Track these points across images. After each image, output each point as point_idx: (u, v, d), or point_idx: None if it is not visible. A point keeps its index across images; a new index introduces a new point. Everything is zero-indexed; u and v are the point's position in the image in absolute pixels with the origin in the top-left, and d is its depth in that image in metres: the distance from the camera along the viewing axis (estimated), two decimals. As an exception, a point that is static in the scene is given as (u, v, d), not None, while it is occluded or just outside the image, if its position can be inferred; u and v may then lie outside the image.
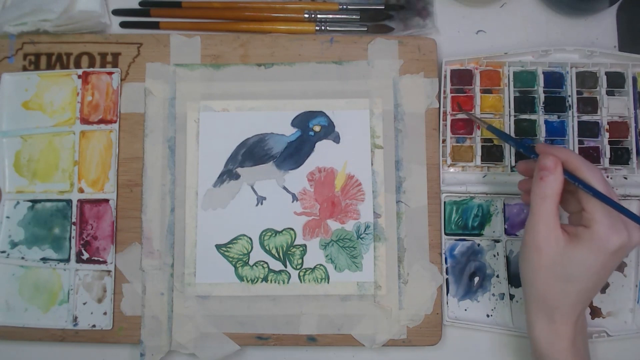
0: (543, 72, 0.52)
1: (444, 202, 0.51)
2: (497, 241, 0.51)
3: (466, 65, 0.52)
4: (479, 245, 0.51)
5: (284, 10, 0.55)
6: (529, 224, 0.40)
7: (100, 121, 0.52)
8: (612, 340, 0.50)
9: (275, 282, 0.50)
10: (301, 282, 0.50)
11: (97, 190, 0.51)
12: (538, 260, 0.39)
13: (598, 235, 0.37)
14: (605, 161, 0.51)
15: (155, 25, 0.55)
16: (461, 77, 0.52)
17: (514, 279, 0.51)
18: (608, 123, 0.51)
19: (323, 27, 0.54)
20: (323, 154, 0.51)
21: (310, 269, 0.50)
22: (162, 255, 0.50)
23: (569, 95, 0.52)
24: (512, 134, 0.51)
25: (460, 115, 0.51)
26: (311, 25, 0.54)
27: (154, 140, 0.52)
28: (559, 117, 0.52)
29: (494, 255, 0.51)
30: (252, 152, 0.51)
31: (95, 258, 0.51)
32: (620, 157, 0.51)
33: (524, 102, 0.52)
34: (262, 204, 0.51)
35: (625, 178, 0.51)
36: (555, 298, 0.40)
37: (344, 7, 0.55)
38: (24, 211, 0.52)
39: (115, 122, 0.52)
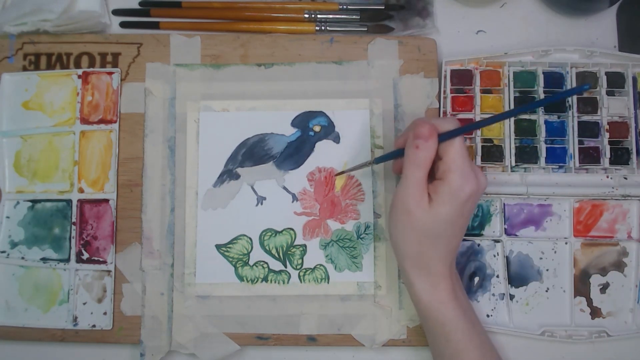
0: (543, 72, 0.52)
1: (444, 202, 0.51)
2: (497, 241, 0.51)
3: (466, 65, 0.52)
4: (479, 245, 0.51)
5: (284, 10, 0.55)
6: (400, 190, 0.41)
7: (100, 121, 0.52)
8: (612, 340, 0.49)
9: (275, 282, 0.50)
10: (301, 282, 0.50)
11: (97, 190, 0.52)
12: (410, 223, 0.41)
13: (453, 185, 0.39)
14: (605, 161, 0.51)
15: (155, 25, 0.55)
16: (461, 77, 0.52)
17: (514, 279, 0.51)
18: (608, 123, 0.51)
19: (323, 27, 0.54)
20: (323, 154, 0.51)
21: (310, 269, 0.50)
22: (162, 255, 0.50)
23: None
24: (512, 134, 0.51)
25: (461, 115, 0.52)
26: (311, 25, 0.54)
27: (154, 140, 0.52)
28: (559, 117, 0.52)
29: (494, 255, 0.51)
30: (252, 152, 0.51)
31: (95, 258, 0.51)
32: (620, 157, 0.51)
33: (524, 102, 0.52)
34: (262, 204, 0.51)
35: (625, 178, 0.51)
36: (428, 255, 0.42)
37: (344, 7, 0.55)
38: (24, 211, 0.52)
39: (115, 122, 0.52)
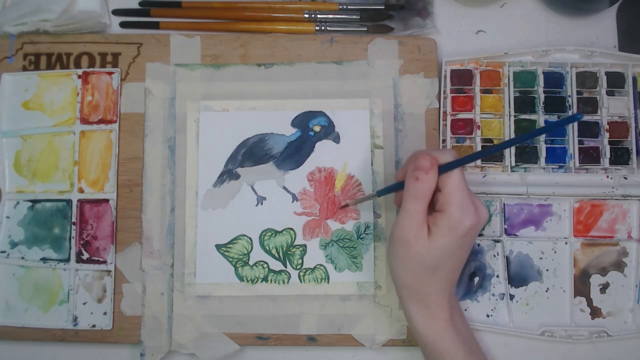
0: (543, 72, 0.52)
1: (444, 202, 0.51)
2: (497, 241, 0.51)
3: (466, 65, 0.52)
4: (479, 245, 0.51)
5: (284, 10, 0.55)
6: (400, 222, 0.40)
7: (100, 121, 0.52)
8: (612, 340, 0.50)
9: (275, 282, 0.50)
10: (301, 282, 0.50)
11: (97, 190, 0.52)
12: (408, 255, 0.40)
13: (452, 218, 0.39)
14: (605, 161, 0.51)
15: (155, 25, 0.55)
16: (461, 77, 0.52)
17: (514, 279, 0.51)
18: (608, 123, 0.51)
19: (323, 27, 0.54)
20: (323, 154, 0.51)
21: (310, 269, 0.50)
22: (162, 255, 0.50)
23: (569, 95, 0.52)
24: (512, 134, 0.51)
25: (461, 115, 0.52)
26: (311, 25, 0.54)
27: (154, 140, 0.52)
28: (559, 117, 0.52)
29: (494, 255, 0.51)
30: (252, 152, 0.51)
31: (95, 258, 0.51)
32: (620, 157, 0.51)
33: (524, 102, 0.52)
34: (262, 204, 0.51)
35: (625, 178, 0.51)
36: (426, 287, 0.41)
37: (344, 7, 0.55)
38: (24, 211, 0.52)
39: (115, 122, 0.52)
